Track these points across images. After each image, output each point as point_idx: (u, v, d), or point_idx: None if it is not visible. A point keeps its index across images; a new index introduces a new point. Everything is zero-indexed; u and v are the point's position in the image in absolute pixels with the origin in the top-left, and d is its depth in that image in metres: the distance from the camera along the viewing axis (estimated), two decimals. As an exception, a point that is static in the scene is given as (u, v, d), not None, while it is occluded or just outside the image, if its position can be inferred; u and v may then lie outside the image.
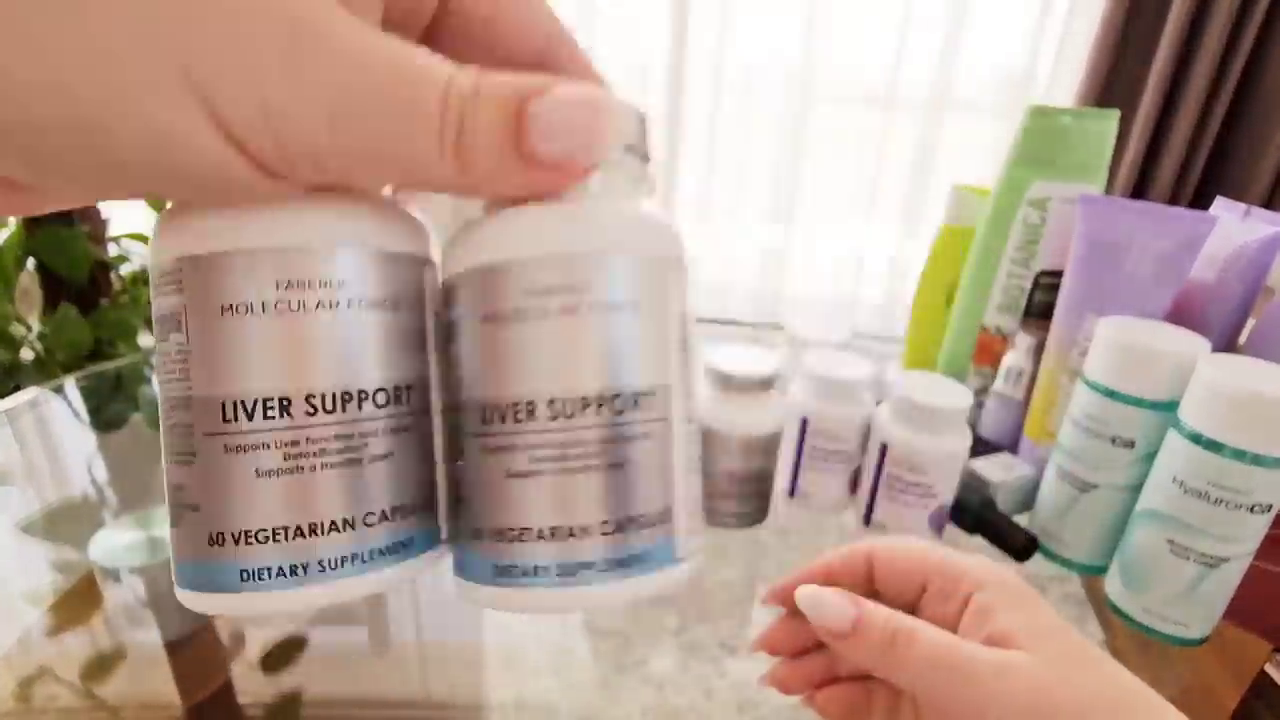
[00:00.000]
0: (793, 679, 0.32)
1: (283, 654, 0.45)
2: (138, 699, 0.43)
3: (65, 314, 0.56)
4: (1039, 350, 0.58)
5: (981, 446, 0.59)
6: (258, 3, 0.12)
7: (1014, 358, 0.59)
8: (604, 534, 0.16)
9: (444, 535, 0.19)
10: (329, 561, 0.16)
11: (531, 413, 0.16)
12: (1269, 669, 0.47)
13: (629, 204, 0.17)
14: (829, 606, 0.28)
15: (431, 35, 0.17)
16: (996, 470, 0.55)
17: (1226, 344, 0.51)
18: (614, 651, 0.47)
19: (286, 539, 0.16)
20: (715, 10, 1.92)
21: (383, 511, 0.17)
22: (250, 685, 0.44)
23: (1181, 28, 1.63)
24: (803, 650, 0.32)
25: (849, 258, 2.19)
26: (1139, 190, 1.80)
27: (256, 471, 0.15)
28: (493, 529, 0.17)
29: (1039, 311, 0.59)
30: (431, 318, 0.18)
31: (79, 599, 0.49)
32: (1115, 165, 1.75)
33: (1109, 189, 0.53)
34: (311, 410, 0.15)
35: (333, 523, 0.16)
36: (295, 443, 0.15)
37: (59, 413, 0.74)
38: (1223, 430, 0.41)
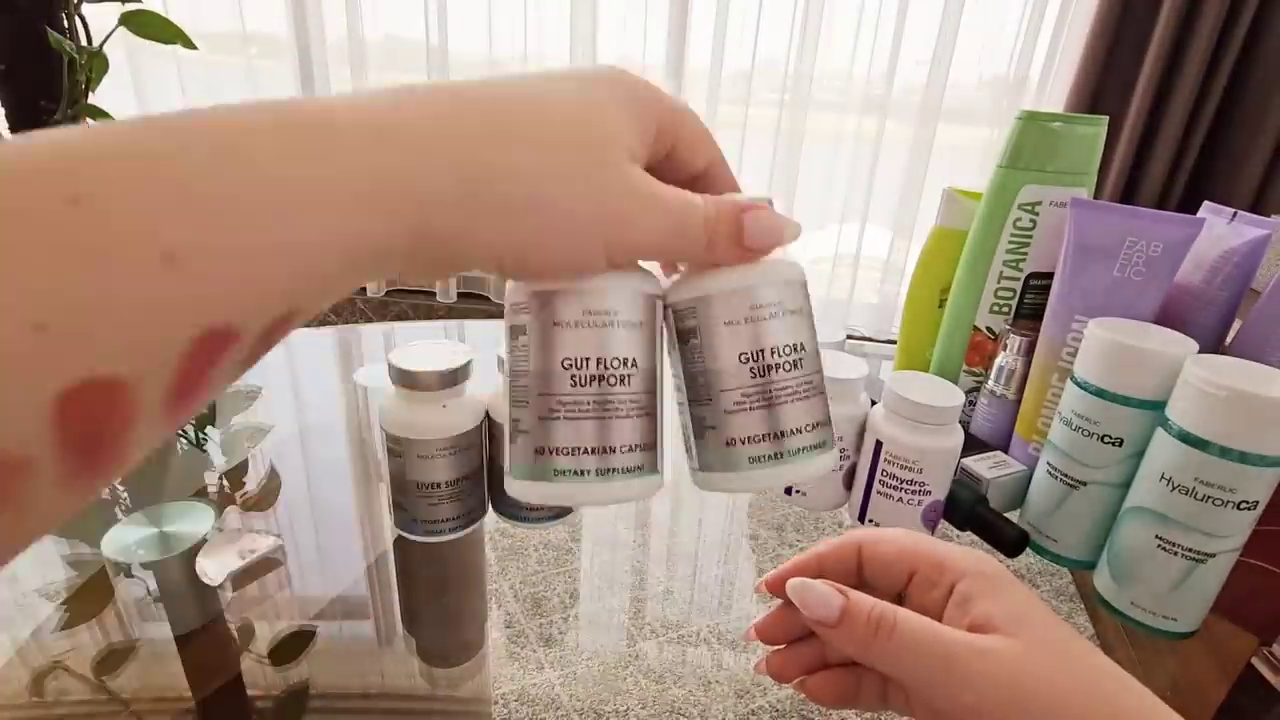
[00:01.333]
0: (785, 666, 0.33)
1: (291, 647, 0.46)
2: (149, 692, 0.43)
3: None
4: (1030, 350, 0.59)
5: (974, 445, 0.60)
6: (632, 188, 0.24)
7: (1005, 358, 0.60)
8: (807, 430, 0.29)
9: (695, 464, 0.30)
10: (597, 470, 0.27)
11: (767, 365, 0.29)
12: (1256, 663, 0.48)
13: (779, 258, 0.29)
14: (817, 597, 0.29)
15: (663, 163, 0.28)
16: (988, 468, 0.56)
17: (1213, 345, 0.52)
18: (614, 644, 0.48)
19: (575, 454, 0.27)
20: (712, 16, 1.93)
21: (631, 445, 0.28)
22: (259, 678, 0.44)
23: (1170, 35, 1.65)
24: (795, 638, 0.33)
25: (843, 259, 2.20)
26: (1128, 194, 1.82)
27: (558, 414, 0.27)
28: (737, 438, 0.29)
29: (1030, 312, 0.60)
30: (660, 328, 0.29)
31: (91, 594, 0.49)
32: (1104, 169, 1.77)
33: (1098, 193, 0.54)
34: (586, 378, 0.27)
35: (593, 448, 0.27)
36: (578, 400, 0.27)
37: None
38: (1210, 429, 0.42)
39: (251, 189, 0.17)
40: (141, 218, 0.16)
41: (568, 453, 0.27)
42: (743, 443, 0.29)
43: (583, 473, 0.27)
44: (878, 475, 0.51)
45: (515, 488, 0.28)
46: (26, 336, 0.14)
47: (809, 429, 0.29)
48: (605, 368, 0.27)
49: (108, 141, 0.16)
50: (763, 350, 0.28)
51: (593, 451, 0.27)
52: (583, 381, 0.27)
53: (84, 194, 0.15)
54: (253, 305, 0.18)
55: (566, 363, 0.27)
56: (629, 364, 0.27)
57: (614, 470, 0.27)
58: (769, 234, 0.27)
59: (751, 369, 0.28)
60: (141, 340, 0.16)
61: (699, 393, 0.30)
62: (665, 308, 0.30)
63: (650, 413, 0.29)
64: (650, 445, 0.29)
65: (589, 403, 0.27)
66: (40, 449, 0.15)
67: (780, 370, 0.28)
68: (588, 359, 0.27)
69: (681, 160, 0.28)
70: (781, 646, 0.33)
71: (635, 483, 0.28)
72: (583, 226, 0.24)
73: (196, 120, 0.17)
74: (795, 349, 0.29)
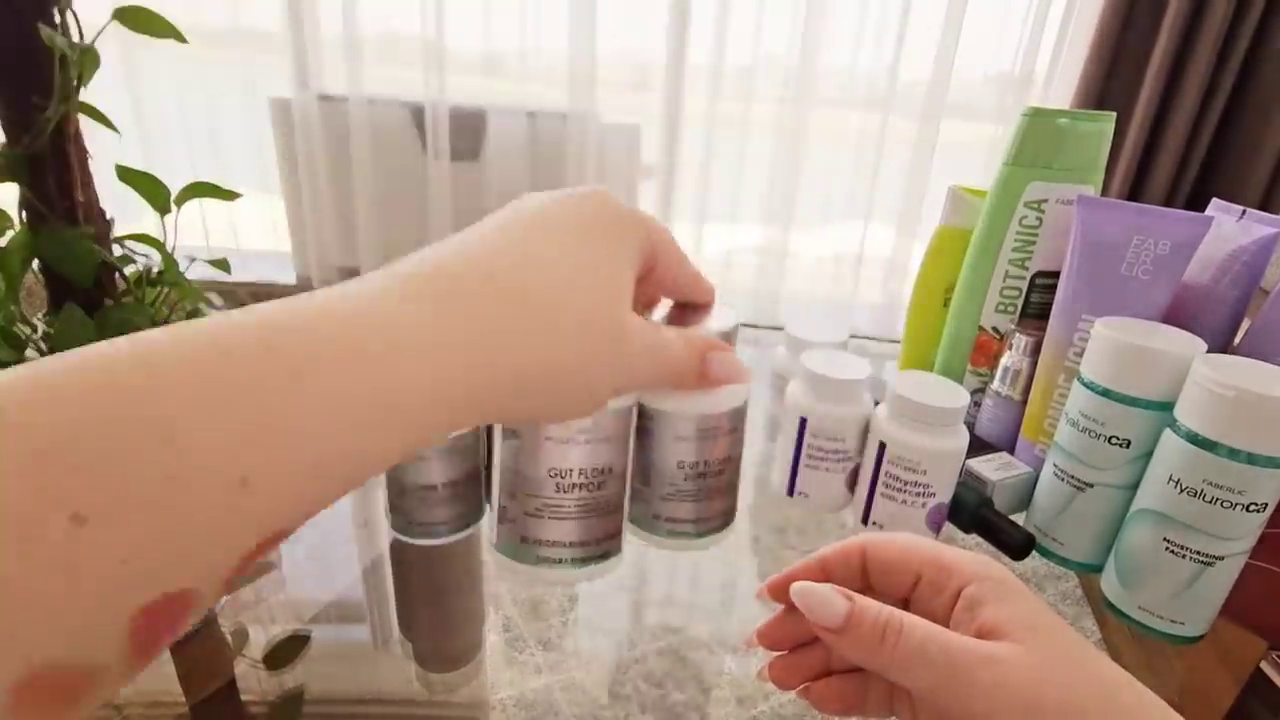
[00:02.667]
0: (789, 673, 0.32)
1: (286, 651, 0.46)
2: (142, 697, 0.43)
3: (70, 315, 0.56)
4: (1036, 350, 0.58)
5: (979, 446, 0.59)
6: (634, 350, 0.28)
7: (1011, 358, 0.59)
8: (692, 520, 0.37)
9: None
10: (573, 560, 0.33)
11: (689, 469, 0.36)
12: (1265, 667, 0.47)
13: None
14: (821, 602, 0.28)
15: (644, 278, 0.31)
16: (994, 469, 0.56)
17: (1222, 344, 0.52)
18: (614, 649, 0.47)
19: (555, 546, 0.32)
20: (713, 11, 1.92)
21: (601, 537, 0.33)
22: (254, 683, 0.44)
23: (1177, 30, 1.64)
24: (799, 644, 0.33)
25: (847, 258, 2.20)
26: (1135, 192, 1.81)
27: (543, 514, 0.32)
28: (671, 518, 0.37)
29: (1036, 312, 0.60)
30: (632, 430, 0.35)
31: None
32: (1111, 167, 1.76)
33: (1105, 190, 0.54)
34: (568, 485, 0.32)
35: (571, 542, 0.33)
36: (560, 504, 0.32)
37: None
38: (1218, 430, 0.41)
39: (322, 413, 0.20)
40: (222, 451, 0.18)
41: (549, 544, 0.33)
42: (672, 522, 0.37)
43: (561, 560, 0.33)
44: (881, 477, 0.50)
45: (501, 561, 0.35)
46: (114, 564, 0.16)
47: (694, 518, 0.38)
48: (586, 477, 0.32)
49: (189, 373, 0.18)
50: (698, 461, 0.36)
51: (570, 545, 0.33)
52: (565, 489, 0.32)
53: (179, 431, 0.17)
54: (314, 510, 0.20)
55: (553, 472, 0.31)
56: (606, 471, 0.32)
57: (588, 558, 0.34)
58: (727, 373, 0.32)
59: (685, 474, 0.36)
60: (214, 556, 0.18)
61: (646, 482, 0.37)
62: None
63: (619, 507, 0.34)
64: (617, 533, 0.35)
65: (571, 506, 0.32)
66: (114, 658, 0.17)
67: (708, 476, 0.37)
68: (571, 470, 0.31)
69: (660, 275, 0.32)
70: (784, 652, 0.33)
71: (606, 564, 0.35)
72: (599, 393, 0.28)
73: (270, 341, 0.20)
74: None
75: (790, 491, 0.56)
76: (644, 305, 0.35)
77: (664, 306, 0.36)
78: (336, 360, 0.20)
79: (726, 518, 0.39)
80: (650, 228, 0.30)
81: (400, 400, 0.21)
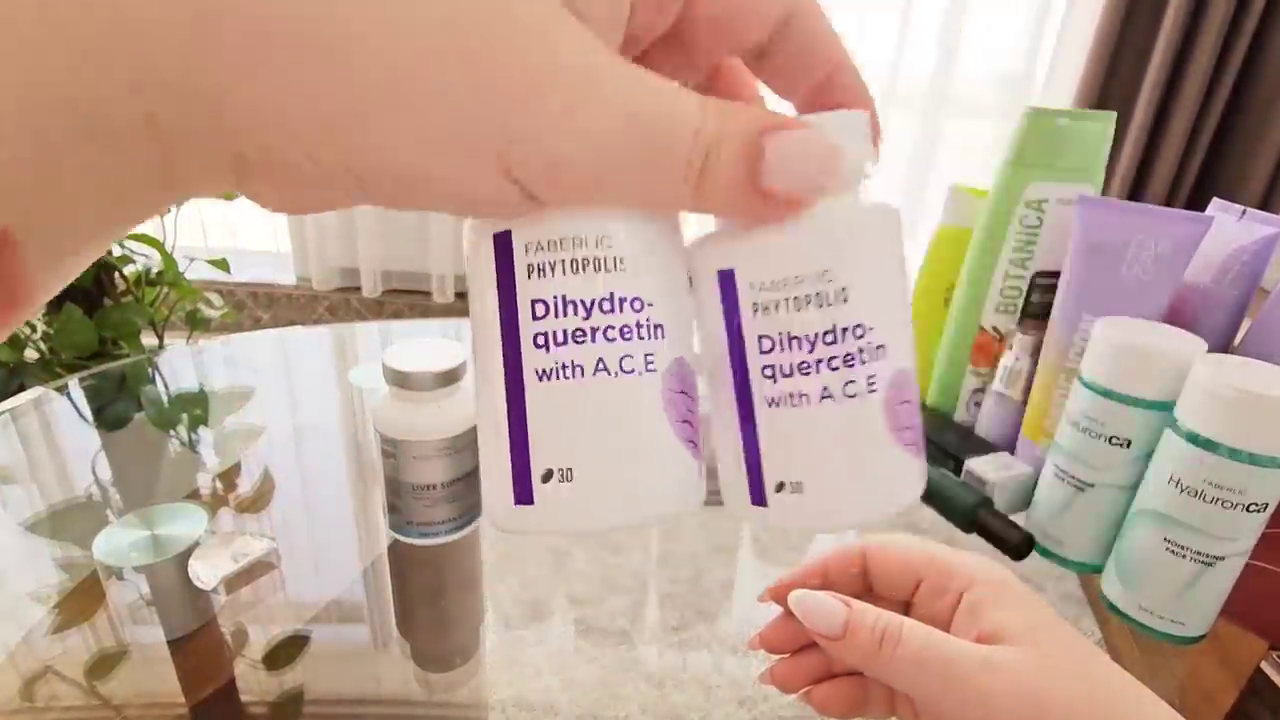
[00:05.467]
0: (791, 676, 0.32)
1: (286, 651, 0.46)
2: (141, 697, 0.43)
3: (69, 314, 0.56)
4: (1036, 350, 0.58)
5: (979, 446, 0.59)
6: (552, 63, 0.15)
7: (1011, 358, 0.59)
8: None
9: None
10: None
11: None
12: (1265, 667, 0.47)
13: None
14: (820, 609, 0.28)
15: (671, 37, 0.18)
16: (994, 469, 0.55)
17: (1222, 344, 0.52)
18: (614, 649, 0.47)
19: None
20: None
21: None
22: (253, 683, 0.44)
23: (1177, 30, 1.64)
24: (800, 647, 0.32)
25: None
26: (1135, 191, 1.81)
27: None
28: None
29: (1036, 312, 0.60)
30: None
31: (83, 597, 0.49)
32: (1112, 166, 1.76)
33: (1106, 190, 0.54)
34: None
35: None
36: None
37: (63, 412, 0.74)
38: (1219, 430, 0.41)
39: None
40: None
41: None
42: None
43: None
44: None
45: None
46: None
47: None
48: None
49: None
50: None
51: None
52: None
53: None
54: None
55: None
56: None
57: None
58: (801, 174, 0.16)
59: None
60: None
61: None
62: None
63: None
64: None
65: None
66: None
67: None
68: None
69: (730, 34, 0.18)
70: (786, 656, 0.33)
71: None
72: (452, 110, 0.14)
73: None
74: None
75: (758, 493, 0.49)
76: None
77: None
78: None
79: None
80: None
81: None
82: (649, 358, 0.18)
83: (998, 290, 0.61)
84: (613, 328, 0.18)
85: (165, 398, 0.80)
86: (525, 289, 0.18)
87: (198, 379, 0.84)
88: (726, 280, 0.19)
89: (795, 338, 0.18)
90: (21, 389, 0.79)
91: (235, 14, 0.13)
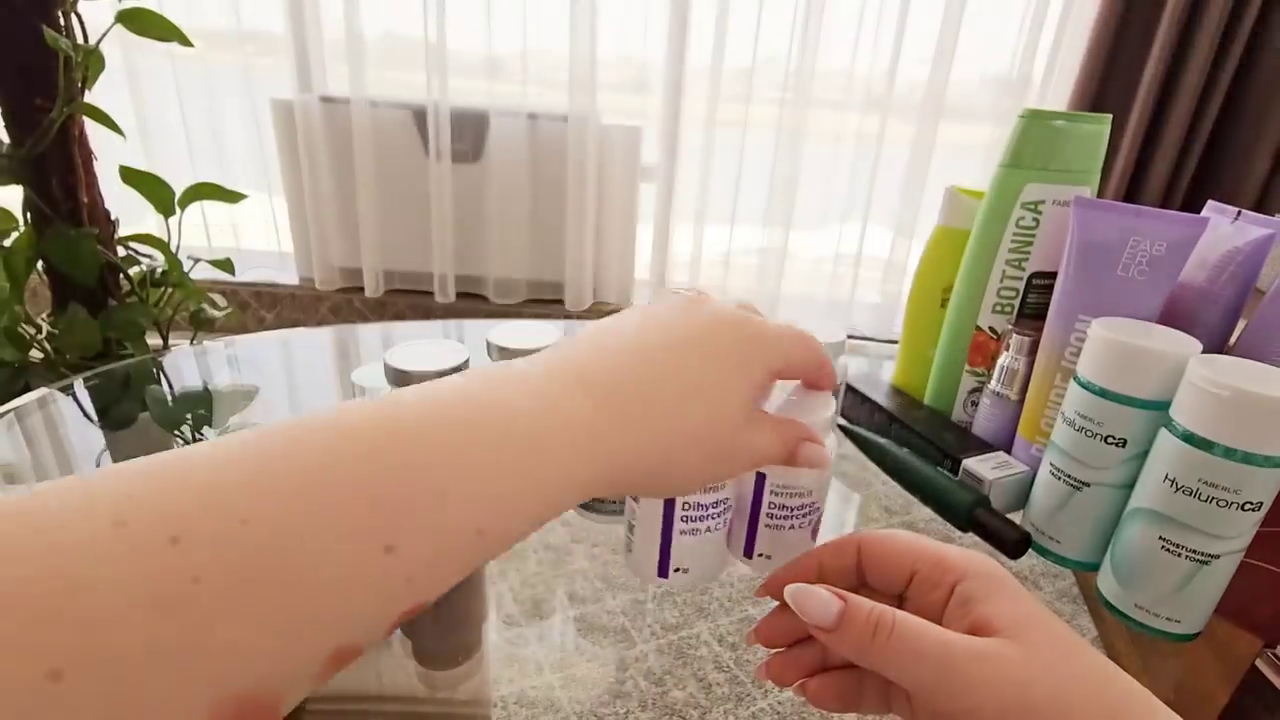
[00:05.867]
0: (785, 669, 0.32)
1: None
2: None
3: (74, 315, 0.57)
4: (1032, 350, 0.58)
5: (976, 445, 0.59)
6: (738, 455, 0.32)
7: (1008, 358, 0.60)
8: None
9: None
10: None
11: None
12: (1260, 665, 0.47)
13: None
14: (814, 602, 0.28)
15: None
16: (991, 469, 0.56)
17: (1218, 345, 0.52)
18: (614, 647, 0.47)
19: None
20: (713, 13, 1.92)
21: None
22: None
23: (1174, 32, 1.65)
24: (796, 641, 0.33)
25: (845, 259, 2.20)
26: (1131, 193, 1.81)
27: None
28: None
29: (1033, 312, 0.60)
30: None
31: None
32: (1108, 168, 1.76)
33: (1102, 191, 0.54)
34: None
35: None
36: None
37: (68, 412, 0.74)
38: (1214, 429, 0.41)
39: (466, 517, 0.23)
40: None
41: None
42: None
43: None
44: (764, 509, 0.39)
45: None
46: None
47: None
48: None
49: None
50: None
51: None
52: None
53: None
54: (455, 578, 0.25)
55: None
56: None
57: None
58: (812, 462, 0.34)
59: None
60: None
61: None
62: None
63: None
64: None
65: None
66: None
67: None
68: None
69: (789, 373, 0.35)
70: (782, 649, 0.33)
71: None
72: (695, 483, 0.32)
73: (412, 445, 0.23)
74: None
75: (748, 553, 0.41)
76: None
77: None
78: (485, 457, 0.24)
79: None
80: (789, 347, 0.33)
81: (545, 492, 0.25)
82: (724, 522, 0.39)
83: (994, 291, 0.61)
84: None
85: (170, 398, 0.80)
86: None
87: (202, 379, 0.84)
88: (761, 477, 0.37)
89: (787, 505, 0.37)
90: (27, 389, 0.79)
91: (651, 481, 0.31)
